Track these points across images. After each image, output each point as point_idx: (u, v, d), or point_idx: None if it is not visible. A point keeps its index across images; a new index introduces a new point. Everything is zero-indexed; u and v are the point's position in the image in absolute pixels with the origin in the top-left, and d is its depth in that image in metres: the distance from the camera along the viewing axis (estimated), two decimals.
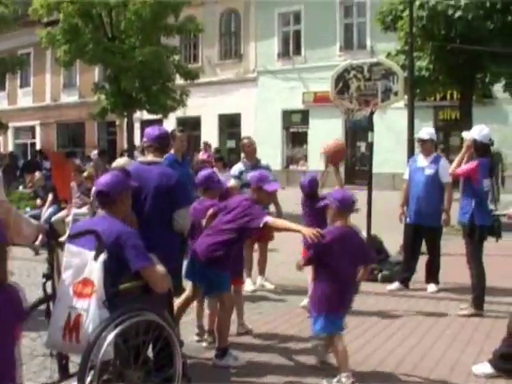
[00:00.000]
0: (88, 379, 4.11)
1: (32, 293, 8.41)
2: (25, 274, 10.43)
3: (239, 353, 6.27)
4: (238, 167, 9.38)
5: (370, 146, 10.45)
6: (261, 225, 5.70)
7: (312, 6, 31.17)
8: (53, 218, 13.38)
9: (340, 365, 5.47)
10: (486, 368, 5.74)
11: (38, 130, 43.12)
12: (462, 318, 7.70)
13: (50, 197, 14.48)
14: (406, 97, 12.25)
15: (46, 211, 14.10)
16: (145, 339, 4.34)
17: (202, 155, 20.34)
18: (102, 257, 4.26)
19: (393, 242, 10.80)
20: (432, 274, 9.17)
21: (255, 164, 9.24)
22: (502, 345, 5.74)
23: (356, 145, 31.38)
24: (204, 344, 6.64)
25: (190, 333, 6.81)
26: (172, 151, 7.85)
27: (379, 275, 9.78)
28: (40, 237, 8.19)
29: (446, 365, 6.06)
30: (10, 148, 42.43)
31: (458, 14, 15.75)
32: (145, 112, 24.79)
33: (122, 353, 4.22)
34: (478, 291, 7.81)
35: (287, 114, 33.37)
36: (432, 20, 16.10)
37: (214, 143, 33.34)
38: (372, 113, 10.03)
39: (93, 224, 4.65)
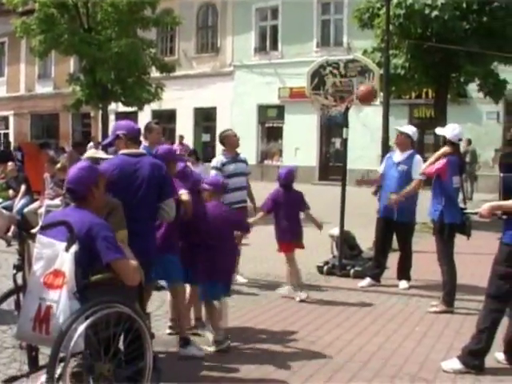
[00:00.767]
0: (58, 371, 4.08)
1: (3, 284, 8.39)
2: None
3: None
4: (219, 159, 9.28)
5: (344, 143, 10.48)
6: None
7: (289, 1, 31.20)
8: (25, 210, 13.29)
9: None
10: (455, 364, 5.80)
11: (11, 120, 42.71)
12: (432, 314, 7.76)
13: (23, 188, 14.36)
14: (381, 94, 12.29)
15: (19, 202, 13.98)
16: (115, 331, 4.32)
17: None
18: (74, 248, 4.23)
19: (366, 238, 10.86)
20: (404, 271, 9.23)
21: (236, 157, 9.22)
22: (472, 341, 5.80)
23: (331, 141, 31.47)
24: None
25: (163, 326, 6.82)
26: (146, 143, 7.84)
27: (351, 271, 9.83)
28: (12, 228, 8.15)
29: (415, 361, 6.10)
30: None
31: (435, 13, 15.81)
32: (120, 104, 24.68)
33: (93, 345, 4.20)
34: (449, 288, 7.88)
35: (263, 109, 33.39)
36: (409, 18, 16.16)
37: (189, 137, 33.30)
38: (347, 109, 10.05)
39: (65, 215, 4.62)
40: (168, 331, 6.72)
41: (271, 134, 33.69)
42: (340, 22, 30.92)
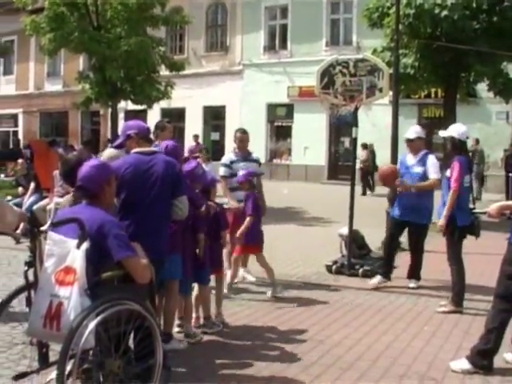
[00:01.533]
0: (68, 368, 4.10)
1: (12, 281, 8.44)
2: (5, 263, 10.40)
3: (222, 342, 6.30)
4: (228, 157, 9.39)
5: (353, 142, 10.48)
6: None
7: (299, 0, 31.21)
8: (34, 207, 13.33)
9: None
10: (463, 364, 5.79)
11: (20, 118, 42.83)
12: (441, 314, 7.75)
13: (32, 185, 14.41)
14: (390, 93, 12.27)
15: (28, 200, 14.04)
16: (126, 328, 4.34)
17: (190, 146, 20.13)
18: (85, 245, 4.25)
19: (374, 237, 10.87)
20: (414, 271, 9.19)
21: (246, 156, 9.25)
22: (480, 341, 5.80)
23: (340, 140, 31.48)
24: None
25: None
26: (157, 142, 7.86)
27: (360, 270, 9.83)
28: (21, 225, 8.17)
29: (424, 360, 6.10)
30: None
31: (444, 13, 15.77)
32: (129, 102, 24.70)
33: (104, 341, 4.22)
34: (458, 288, 7.87)
35: (272, 108, 33.39)
36: (418, 18, 16.12)
37: (199, 135, 33.34)
38: (356, 108, 10.04)
39: (76, 212, 4.63)
40: (177, 329, 6.75)
41: (280, 132, 33.69)
42: (349, 21, 30.91)
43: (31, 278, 4.54)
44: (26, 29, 22.42)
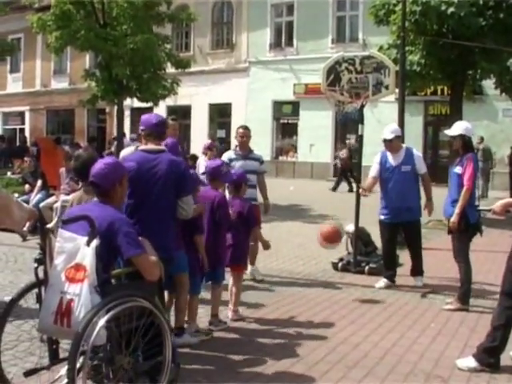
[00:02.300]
0: (78, 364, 4.13)
1: (19, 278, 8.46)
2: (12, 260, 10.43)
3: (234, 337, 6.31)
4: (228, 154, 9.41)
5: (360, 139, 10.47)
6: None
7: None
8: (41, 204, 13.34)
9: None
10: (470, 362, 5.79)
11: (27, 115, 42.91)
12: (447, 312, 7.75)
13: (39, 183, 14.44)
14: (396, 90, 12.25)
15: (35, 197, 14.06)
16: (136, 325, 4.36)
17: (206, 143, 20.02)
18: (95, 242, 4.27)
19: None
20: (416, 267, 9.16)
21: (247, 154, 9.25)
22: (486, 339, 5.79)
23: (346, 137, 31.44)
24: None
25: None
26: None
27: (366, 267, 9.83)
28: (28, 222, 8.18)
29: (430, 358, 6.10)
30: None
31: (451, 10, 15.73)
32: (135, 100, 24.70)
33: (115, 337, 4.24)
34: (466, 286, 7.86)
35: (278, 105, 33.36)
36: (425, 15, 16.09)
37: (205, 133, 33.38)
38: (363, 106, 10.03)
39: (86, 210, 4.65)
40: (185, 325, 6.76)
41: (286, 130, 33.66)
42: (355, 19, 30.84)
43: (41, 275, 4.57)
44: (33, 27, 22.42)
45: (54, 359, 4.63)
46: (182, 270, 6.17)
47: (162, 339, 4.57)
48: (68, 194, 12.77)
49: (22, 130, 42.41)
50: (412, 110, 24.07)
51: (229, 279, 7.35)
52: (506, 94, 19.19)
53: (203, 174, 8.24)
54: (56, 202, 12.85)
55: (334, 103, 10.82)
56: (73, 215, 4.65)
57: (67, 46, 22.59)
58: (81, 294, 4.21)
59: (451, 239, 7.95)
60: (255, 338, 6.68)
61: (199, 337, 6.55)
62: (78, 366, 4.09)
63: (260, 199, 9.33)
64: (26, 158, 16.96)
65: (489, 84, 20.27)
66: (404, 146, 9.23)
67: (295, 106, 32.71)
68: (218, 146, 17.84)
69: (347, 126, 29.23)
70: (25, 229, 11.40)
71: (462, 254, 7.85)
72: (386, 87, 10.03)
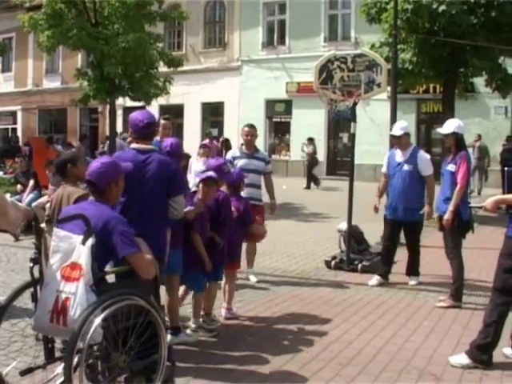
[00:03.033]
0: (74, 362, 4.12)
1: (11, 278, 8.44)
2: (5, 260, 10.41)
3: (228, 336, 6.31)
4: (232, 152, 9.45)
5: (352, 137, 10.48)
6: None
7: None
8: (33, 204, 13.32)
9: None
10: (462, 359, 5.81)
11: (19, 115, 42.77)
12: (440, 309, 7.77)
13: (31, 182, 14.42)
14: (388, 89, 12.26)
15: (27, 197, 14.04)
16: (131, 323, 4.37)
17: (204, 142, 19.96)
18: (90, 241, 4.28)
19: (373, 232, 10.88)
20: (412, 268, 9.16)
21: (252, 153, 9.22)
22: (479, 336, 5.81)
23: (338, 136, 31.47)
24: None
25: None
26: (158, 137, 7.86)
27: (359, 265, 9.84)
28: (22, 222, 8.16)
29: (423, 355, 6.12)
30: None
31: (442, 8, 15.76)
32: (127, 99, 24.67)
33: (111, 335, 4.25)
34: (458, 283, 7.88)
35: (270, 104, 33.33)
36: (416, 13, 16.11)
37: (197, 131, 33.33)
38: (355, 104, 10.04)
39: (81, 209, 4.66)
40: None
41: (279, 128, 33.64)
42: (348, 17, 30.84)
43: (36, 274, 4.56)
44: (24, 26, 22.37)
45: (50, 358, 4.63)
46: (173, 272, 6.19)
47: (158, 337, 4.57)
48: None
49: (14, 130, 42.27)
50: (404, 108, 24.10)
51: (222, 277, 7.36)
52: (498, 91, 19.22)
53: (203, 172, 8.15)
54: (48, 201, 12.86)
55: (327, 101, 10.83)
56: (68, 214, 4.65)
57: (59, 45, 22.54)
58: (76, 293, 4.22)
59: (443, 236, 7.98)
60: (248, 336, 6.69)
61: (197, 335, 6.56)
62: (74, 364, 4.10)
63: (265, 199, 9.29)
64: (17, 158, 16.93)
65: (480, 81, 20.30)
66: (413, 145, 9.23)
67: (288, 105, 32.68)
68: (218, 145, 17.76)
69: (340, 124, 29.25)
70: (18, 229, 11.40)
71: (454, 251, 7.88)
72: (378, 85, 10.05)
